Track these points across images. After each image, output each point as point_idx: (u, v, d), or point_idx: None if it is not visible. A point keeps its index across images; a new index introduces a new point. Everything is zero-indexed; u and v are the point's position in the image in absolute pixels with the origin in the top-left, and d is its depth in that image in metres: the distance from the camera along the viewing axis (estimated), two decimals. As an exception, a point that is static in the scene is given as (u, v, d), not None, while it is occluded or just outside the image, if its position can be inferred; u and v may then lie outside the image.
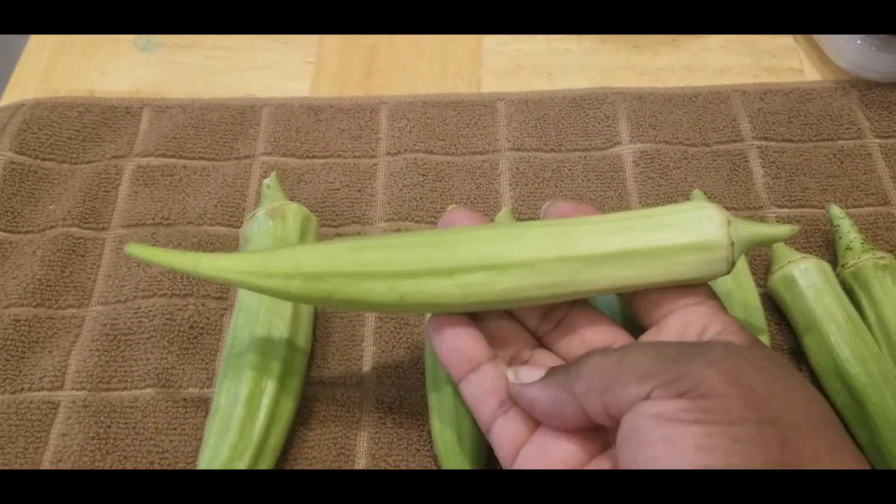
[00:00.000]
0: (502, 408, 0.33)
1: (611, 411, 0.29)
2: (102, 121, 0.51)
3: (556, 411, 0.31)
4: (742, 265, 0.42)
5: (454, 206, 0.46)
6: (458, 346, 0.34)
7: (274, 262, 0.34)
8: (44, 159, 0.49)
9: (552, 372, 0.32)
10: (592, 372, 0.30)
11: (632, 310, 0.36)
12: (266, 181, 0.44)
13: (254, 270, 0.33)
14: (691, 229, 0.33)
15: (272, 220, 0.41)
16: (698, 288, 0.34)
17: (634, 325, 0.36)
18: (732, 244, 0.33)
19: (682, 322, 0.33)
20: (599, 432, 0.32)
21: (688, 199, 0.45)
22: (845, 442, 0.27)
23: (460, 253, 0.33)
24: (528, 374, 0.32)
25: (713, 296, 0.34)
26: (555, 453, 0.31)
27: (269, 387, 0.37)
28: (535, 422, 0.33)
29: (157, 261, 0.33)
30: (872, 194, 0.47)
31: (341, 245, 0.34)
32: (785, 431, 0.26)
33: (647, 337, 0.34)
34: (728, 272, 0.34)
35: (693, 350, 0.29)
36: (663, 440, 0.26)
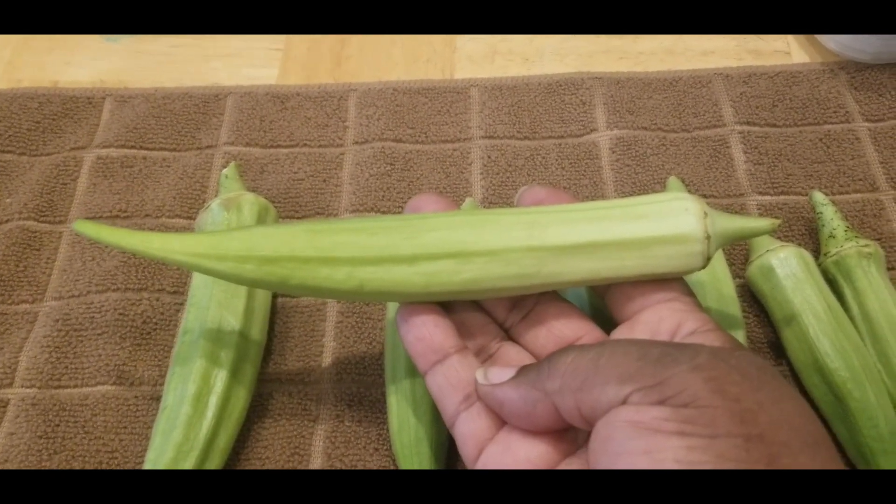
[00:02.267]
0: (467, 402, 0.31)
1: (584, 412, 0.27)
2: (63, 112, 0.49)
3: (526, 411, 0.29)
4: (718, 254, 0.40)
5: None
6: (425, 335, 0.32)
7: (227, 243, 0.32)
8: (2, 151, 0.48)
9: (523, 370, 0.30)
10: (567, 369, 0.28)
11: (603, 303, 0.34)
12: (224, 171, 0.43)
13: (206, 252, 0.32)
14: (666, 221, 0.31)
15: (227, 211, 0.40)
16: (673, 283, 0.32)
17: (604, 317, 0.34)
18: (708, 237, 0.31)
19: (655, 318, 0.31)
20: (568, 432, 0.30)
21: (664, 187, 0.43)
22: (836, 461, 0.26)
23: (424, 239, 0.32)
24: (498, 375, 0.30)
25: (688, 292, 0.32)
26: (520, 454, 0.30)
27: (218, 384, 0.36)
28: (501, 419, 0.31)
29: (105, 239, 0.32)
30: (860, 180, 0.45)
31: (299, 228, 0.32)
32: (773, 449, 0.24)
33: (620, 332, 0.32)
34: (703, 267, 0.32)
35: (677, 353, 0.27)
36: (642, 453, 0.24)
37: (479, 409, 0.31)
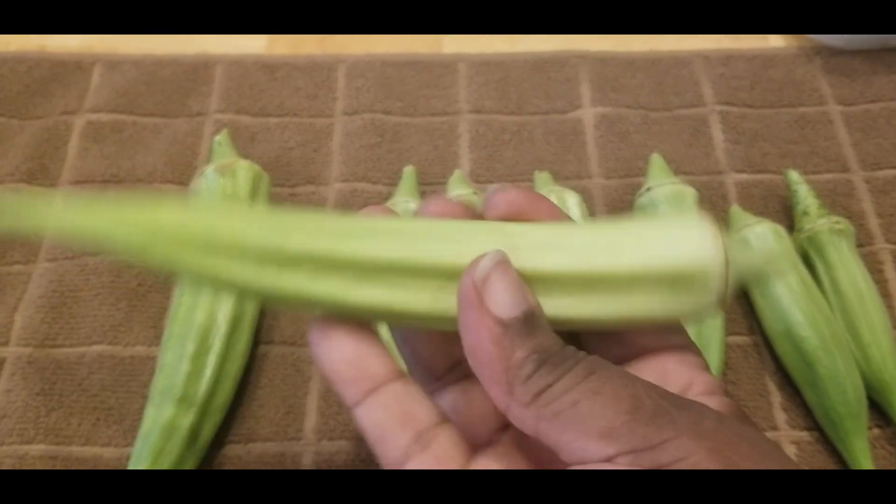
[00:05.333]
0: (419, 442, 0.23)
1: (549, 444, 0.22)
2: (52, 76, 0.50)
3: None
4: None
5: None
6: (353, 357, 0.23)
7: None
8: (-9, 114, 0.48)
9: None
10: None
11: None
12: (217, 138, 0.43)
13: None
14: (673, 249, 0.24)
15: (222, 176, 0.41)
16: (677, 327, 0.26)
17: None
18: (727, 270, 0.23)
19: (660, 369, 0.25)
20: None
21: (646, 163, 0.45)
22: None
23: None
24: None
25: (693, 342, 0.26)
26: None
27: (216, 344, 0.37)
28: (467, 458, 0.24)
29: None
30: (832, 161, 0.47)
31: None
32: None
33: None
34: (719, 311, 0.26)
35: (676, 412, 0.21)
36: None
37: (441, 449, 0.24)
